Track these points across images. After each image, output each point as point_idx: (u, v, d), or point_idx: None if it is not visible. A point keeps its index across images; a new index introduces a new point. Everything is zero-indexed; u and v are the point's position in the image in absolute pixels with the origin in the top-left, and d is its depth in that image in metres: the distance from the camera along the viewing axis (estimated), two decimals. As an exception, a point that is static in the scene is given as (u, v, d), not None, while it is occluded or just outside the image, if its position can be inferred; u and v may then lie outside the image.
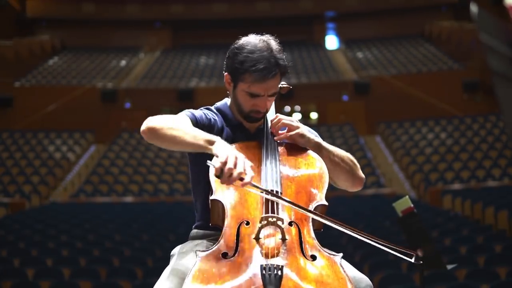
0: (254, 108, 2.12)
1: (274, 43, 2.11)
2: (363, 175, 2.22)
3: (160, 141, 1.98)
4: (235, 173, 1.75)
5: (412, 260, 1.96)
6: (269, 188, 1.92)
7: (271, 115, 2.24)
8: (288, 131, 2.13)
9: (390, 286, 5.69)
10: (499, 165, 13.74)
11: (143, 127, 1.98)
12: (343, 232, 1.91)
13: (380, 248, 1.94)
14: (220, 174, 1.76)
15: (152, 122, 1.98)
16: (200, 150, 1.89)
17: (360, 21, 24.85)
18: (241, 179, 1.77)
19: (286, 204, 1.89)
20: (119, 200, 13.38)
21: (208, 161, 1.80)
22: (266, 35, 2.14)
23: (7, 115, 18.38)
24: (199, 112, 2.19)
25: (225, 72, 2.16)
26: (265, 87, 2.07)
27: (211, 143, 1.86)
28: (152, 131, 1.97)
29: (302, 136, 2.12)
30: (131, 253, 7.84)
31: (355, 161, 2.21)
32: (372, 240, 1.90)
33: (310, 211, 1.91)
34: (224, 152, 1.79)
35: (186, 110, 2.17)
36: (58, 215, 11.16)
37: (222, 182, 1.78)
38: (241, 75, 2.08)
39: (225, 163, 1.76)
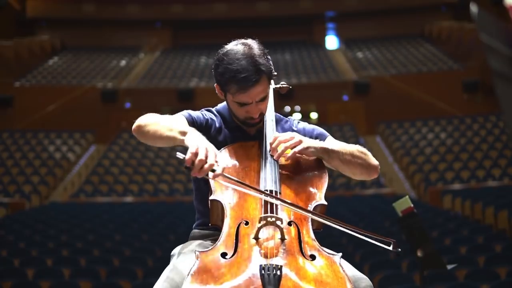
0: (248, 115, 2.11)
1: (256, 48, 2.06)
2: (376, 162, 2.16)
3: (145, 138, 2.01)
4: (206, 165, 1.73)
5: (390, 248, 1.93)
6: (268, 189, 1.92)
7: (271, 114, 2.23)
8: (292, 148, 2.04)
9: (390, 286, 5.69)
10: (499, 165, 13.74)
11: (133, 126, 2.02)
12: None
13: (380, 248, 1.93)
14: (191, 165, 1.73)
15: (139, 120, 2.02)
16: (176, 142, 1.89)
17: (360, 21, 24.84)
18: (213, 170, 1.75)
19: (266, 198, 1.88)
20: (119, 200, 13.37)
21: (178, 152, 1.78)
22: (249, 39, 2.11)
23: (7, 115, 18.38)
24: (197, 113, 2.19)
25: (215, 83, 2.16)
26: (250, 95, 2.04)
27: (184, 134, 1.86)
28: (137, 128, 2.01)
29: (307, 148, 2.04)
30: (131, 253, 7.84)
31: (365, 151, 2.15)
32: (357, 233, 1.88)
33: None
34: (195, 143, 1.78)
35: (184, 111, 2.18)
36: (58, 215, 11.15)
37: (193, 174, 1.76)
38: (225, 87, 2.08)
39: (196, 154, 1.74)
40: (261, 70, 2.02)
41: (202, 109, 2.27)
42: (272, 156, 2.04)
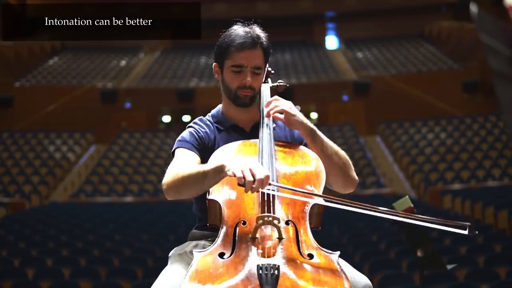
0: (241, 84, 2.13)
1: (257, 28, 2.19)
2: (356, 178, 2.17)
3: (186, 195, 2.01)
4: (256, 183, 1.76)
5: (466, 232, 1.90)
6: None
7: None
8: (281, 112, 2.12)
9: (390, 286, 5.69)
10: (499, 165, 13.74)
11: (164, 192, 2.02)
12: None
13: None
14: (243, 184, 1.78)
15: (165, 183, 2.00)
16: (218, 181, 1.90)
17: (360, 21, 24.84)
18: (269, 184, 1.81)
19: (296, 192, 1.91)
20: (119, 200, 13.38)
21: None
22: (252, 24, 2.21)
23: (7, 115, 18.37)
24: (189, 134, 2.19)
25: (214, 63, 2.23)
26: (246, 57, 2.11)
27: (221, 169, 1.85)
28: (171, 192, 2.00)
29: (293, 115, 2.08)
30: (131, 253, 7.84)
31: (350, 161, 2.16)
32: (381, 212, 1.90)
33: (317, 195, 1.94)
34: (239, 168, 1.79)
35: (179, 142, 2.17)
36: (58, 215, 11.16)
37: (252, 192, 1.80)
38: (225, 52, 2.15)
39: (244, 178, 1.77)
40: (260, 38, 2.15)
41: (192, 122, 2.27)
42: (268, 134, 2.10)
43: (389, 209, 1.86)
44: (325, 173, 2.08)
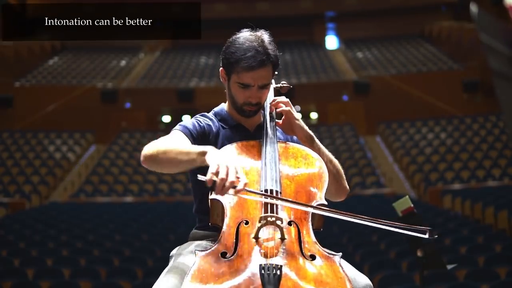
0: (247, 100, 2.13)
1: (266, 37, 2.13)
2: (348, 187, 2.25)
3: (160, 167, 2.00)
4: (227, 183, 1.73)
5: (427, 236, 1.90)
6: (268, 188, 1.92)
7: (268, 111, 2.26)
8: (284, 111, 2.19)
9: (390, 286, 5.69)
10: (499, 165, 13.74)
11: (141, 157, 2.00)
12: (346, 220, 1.90)
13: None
14: (213, 185, 1.74)
15: (146, 150, 1.99)
16: (197, 164, 1.88)
17: (360, 21, 24.84)
18: (234, 187, 1.75)
19: (287, 204, 1.89)
20: (119, 200, 13.37)
21: (199, 175, 1.79)
22: (261, 30, 2.17)
23: (7, 115, 18.37)
24: (191, 122, 2.19)
25: (221, 67, 2.20)
26: (254, 76, 2.08)
27: (204, 154, 1.84)
28: (148, 159, 1.98)
29: (296, 118, 2.15)
30: (131, 253, 7.84)
31: (342, 171, 2.24)
32: (375, 223, 1.87)
33: (312, 206, 1.92)
34: (215, 162, 1.77)
35: (178, 125, 2.17)
36: (58, 215, 11.16)
37: (216, 193, 1.76)
38: (232, 67, 2.11)
39: (216, 174, 1.74)
40: (270, 55, 2.09)
41: (197, 116, 2.27)
42: (274, 135, 2.12)
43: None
44: None
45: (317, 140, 2.17)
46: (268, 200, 1.87)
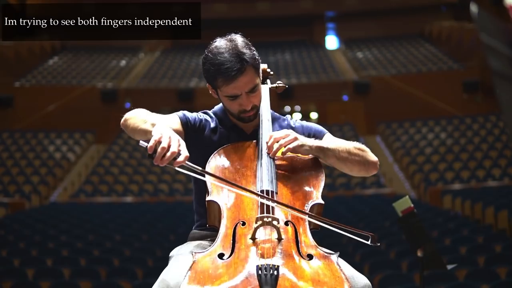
0: (241, 109, 2.11)
1: (239, 40, 2.09)
2: (375, 158, 2.17)
3: (127, 131, 2.07)
4: (168, 153, 1.73)
5: (368, 242, 1.92)
6: (264, 188, 1.92)
7: (266, 114, 2.22)
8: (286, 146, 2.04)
9: (390, 286, 5.69)
10: (499, 165, 13.74)
11: (121, 120, 2.09)
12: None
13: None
14: (153, 153, 1.73)
15: (126, 114, 2.08)
16: (148, 135, 1.91)
17: (360, 21, 24.83)
18: (175, 158, 1.75)
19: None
20: (119, 200, 13.37)
21: (140, 141, 1.80)
22: (233, 34, 2.12)
23: (7, 115, 18.38)
24: (192, 114, 2.21)
25: (207, 84, 2.18)
26: (238, 86, 2.05)
27: (153, 125, 1.89)
28: (123, 121, 2.08)
29: (302, 145, 2.04)
30: (131, 253, 7.84)
31: (363, 147, 2.16)
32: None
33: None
34: (159, 132, 1.78)
35: (180, 111, 2.20)
36: (58, 215, 11.15)
37: (155, 162, 1.76)
38: (213, 83, 2.10)
39: (158, 142, 1.74)
40: (244, 59, 2.03)
41: (199, 112, 2.29)
42: (268, 154, 2.04)
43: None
44: (349, 171, 2.13)
45: (327, 145, 2.08)
46: (212, 180, 1.90)
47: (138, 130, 2.00)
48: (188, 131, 2.14)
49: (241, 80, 2.04)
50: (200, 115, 2.23)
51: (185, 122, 2.13)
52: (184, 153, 1.76)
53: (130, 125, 2.04)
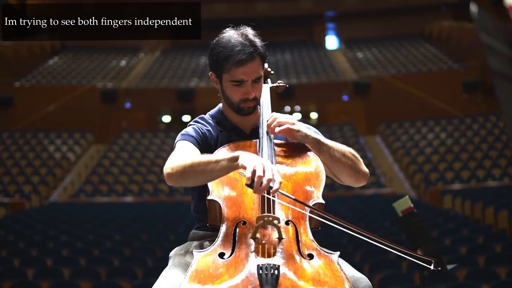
0: (243, 97, 2.11)
1: (250, 31, 2.13)
2: (367, 170, 2.17)
3: (191, 181, 1.98)
4: (265, 180, 1.73)
5: (431, 267, 1.94)
6: None
7: (267, 114, 2.21)
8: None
9: (390, 286, 5.69)
10: (499, 165, 13.74)
11: (166, 176, 1.97)
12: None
13: (380, 247, 1.93)
14: (251, 183, 1.75)
15: (170, 168, 1.95)
16: (230, 171, 1.88)
17: (360, 21, 24.83)
18: (271, 187, 1.76)
19: (307, 211, 1.90)
20: (119, 200, 13.38)
21: (240, 170, 1.81)
22: (244, 27, 2.15)
23: (7, 115, 18.37)
24: (192, 129, 2.17)
25: (210, 71, 2.18)
26: (246, 71, 2.06)
27: (235, 159, 1.84)
28: (176, 176, 1.94)
29: (297, 131, 2.05)
30: (131, 253, 7.84)
31: (357, 155, 2.16)
32: (373, 240, 1.89)
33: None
34: (251, 162, 1.78)
35: (181, 135, 2.14)
36: (58, 215, 11.15)
37: (255, 192, 1.77)
38: (221, 66, 2.10)
39: (254, 172, 1.74)
40: (256, 47, 2.07)
41: (192, 122, 2.25)
42: (267, 133, 2.08)
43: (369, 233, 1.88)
44: (338, 174, 2.12)
45: (324, 140, 2.10)
46: (297, 208, 1.89)
47: (214, 172, 1.90)
48: (201, 148, 2.13)
49: (250, 66, 2.06)
50: (199, 127, 2.19)
51: (196, 143, 2.12)
52: (278, 179, 1.77)
53: (192, 173, 1.92)
